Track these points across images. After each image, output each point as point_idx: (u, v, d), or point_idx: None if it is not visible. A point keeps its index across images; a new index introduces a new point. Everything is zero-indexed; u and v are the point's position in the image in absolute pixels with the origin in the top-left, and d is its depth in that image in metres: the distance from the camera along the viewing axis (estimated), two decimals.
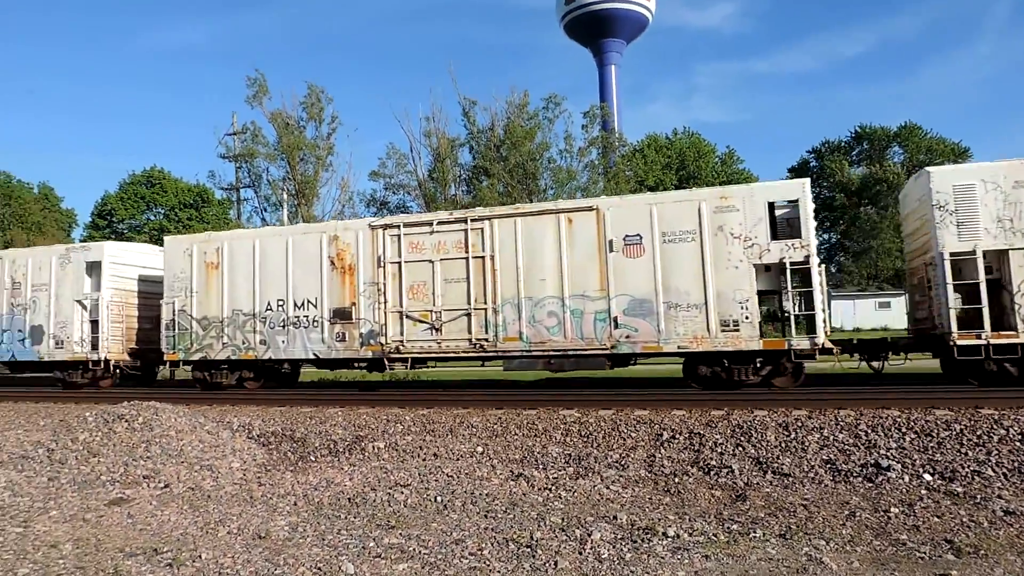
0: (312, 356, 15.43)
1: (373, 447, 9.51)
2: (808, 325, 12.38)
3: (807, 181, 13.03)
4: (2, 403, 15.51)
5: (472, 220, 14.31)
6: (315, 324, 15.32)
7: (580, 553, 5.41)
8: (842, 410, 9.68)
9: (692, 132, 59.35)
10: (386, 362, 14.77)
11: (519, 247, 13.91)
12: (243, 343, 15.96)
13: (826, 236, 57.85)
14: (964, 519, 5.97)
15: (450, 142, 36.58)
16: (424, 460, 8.95)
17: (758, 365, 12.80)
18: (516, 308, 13.80)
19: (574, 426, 10.07)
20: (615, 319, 13.14)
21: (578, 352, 13.41)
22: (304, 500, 7.26)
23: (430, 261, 14.52)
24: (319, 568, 5.20)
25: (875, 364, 13.26)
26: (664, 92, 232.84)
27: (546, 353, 13.64)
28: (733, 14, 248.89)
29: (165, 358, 16.81)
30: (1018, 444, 7.84)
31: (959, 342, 11.52)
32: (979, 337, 11.41)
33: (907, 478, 7.22)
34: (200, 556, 5.47)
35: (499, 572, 5.08)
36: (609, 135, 39.90)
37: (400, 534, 6.00)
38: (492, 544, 5.65)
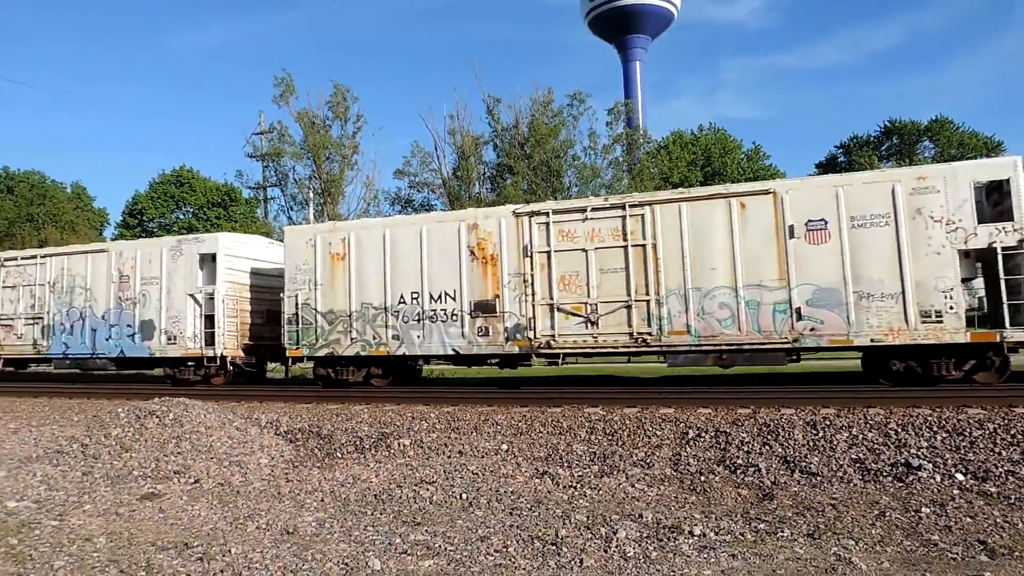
0: (451, 352, 14.57)
1: (399, 444, 9.57)
2: (1011, 315, 11.32)
3: (1019, 158, 11.71)
4: (37, 399, 15.85)
5: (631, 206, 13.42)
6: (454, 318, 14.47)
7: (605, 551, 5.40)
8: (871, 408, 9.55)
9: (718, 128, 58.75)
10: (533, 358, 13.99)
11: (684, 234, 13.02)
12: (374, 338, 15.11)
13: None
14: (998, 520, 5.86)
15: (474, 140, 36.62)
16: (449, 457, 8.99)
17: (959, 359, 11.77)
18: (682, 299, 12.94)
19: (599, 424, 10.05)
20: (797, 310, 12.24)
21: (754, 346, 12.55)
22: (331, 496, 7.33)
23: (583, 250, 13.66)
24: (346, 564, 5.25)
25: None
26: (689, 88, 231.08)
27: (718, 347, 12.75)
28: (759, 8, 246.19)
29: (287, 354, 16.05)
30: None
31: None
32: None
33: (939, 478, 7.11)
34: (230, 551, 5.55)
35: (524, 569, 5.09)
36: (634, 132, 39.65)
37: (426, 531, 6.03)
38: (517, 541, 5.66)
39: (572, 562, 5.19)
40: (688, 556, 5.25)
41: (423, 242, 14.87)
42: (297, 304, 15.76)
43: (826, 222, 12.25)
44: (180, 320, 17.37)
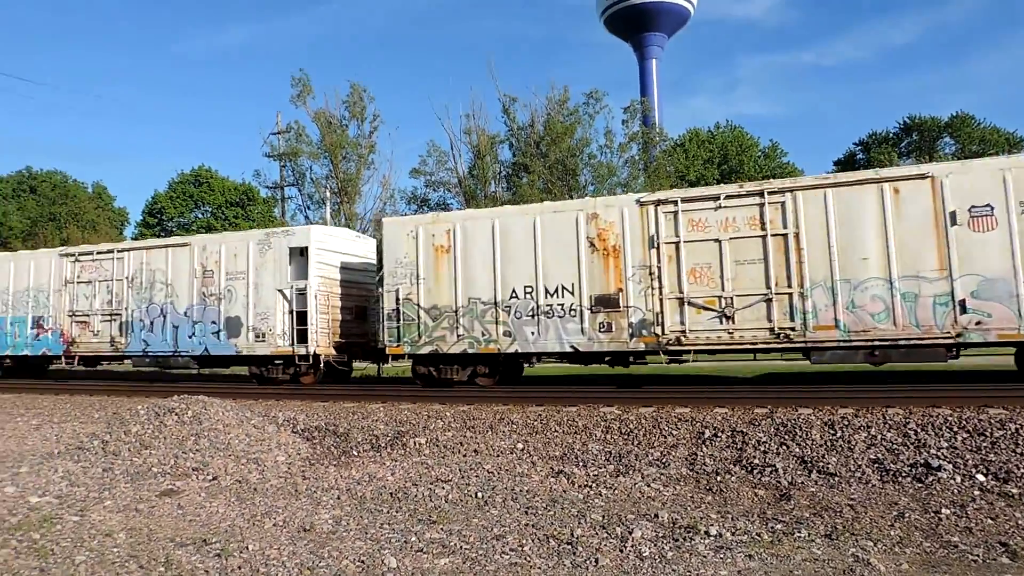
0: (569, 349, 13.84)
1: (414, 443, 9.60)
2: None
3: None
4: (59, 396, 16.07)
5: (770, 193, 12.72)
6: (572, 313, 13.75)
7: (621, 551, 5.39)
8: (890, 408, 9.46)
9: (734, 126, 58.44)
10: (662, 355, 13.32)
11: (830, 222, 12.31)
12: (483, 335, 14.38)
13: None
14: (1020, 521, 5.78)
15: (490, 139, 36.63)
16: (465, 456, 9.00)
17: None
18: (829, 292, 12.22)
19: (614, 423, 10.03)
20: (962, 303, 11.51)
21: (911, 342, 11.81)
22: (347, 494, 7.37)
23: (716, 240, 12.95)
24: (362, 561, 5.28)
25: None
26: (706, 85, 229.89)
27: (870, 343, 11.99)
28: (776, 5, 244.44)
29: (387, 352, 15.46)
30: None
31: None
32: None
33: (959, 479, 7.02)
34: (247, 547, 5.59)
35: (540, 568, 5.10)
36: (650, 130, 39.51)
37: (441, 529, 6.05)
38: (533, 540, 5.66)
39: (588, 561, 5.18)
40: (704, 556, 5.23)
41: (537, 233, 14.16)
42: (398, 299, 15.09)
43: (992, 208, 11.52)
44: (269, 317, 16.71)
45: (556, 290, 13.92)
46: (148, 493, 7.46)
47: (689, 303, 13.04)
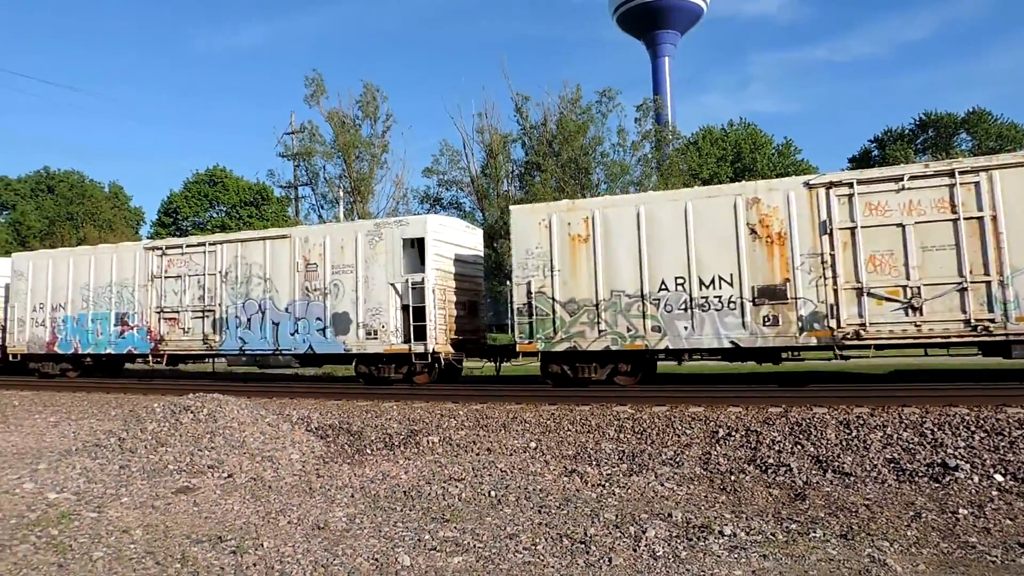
0: (728, 344, 12.89)
1: (427, 441, 9.62)
2: None
3: None
4: (76, 393, 16.23)
5: (961, 173, 11.74)
6: (731, 306, 12.81)
7: (635, 550, 5.38)
8: (906, 408, 9.38)
9: (748, 123, 58.17)
10: (836, 350, 12.43)
11: None
12: (628, 330, 13.43)
13: None
14: None
15: (503, 138, 36.66)
16: (478, 455, 9.01)
17: None
18: None
19: (627, 422, 10.01)
20: None
21: None
22: (361, 492, 7.40)
23: (899, 225, 11.97)
24: (376, 559, 5.30)
25: None
26: (718, 83, 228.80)
27: None
28: (789, 1, 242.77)
29: (518, 349, 14.54)
30: None
31: None
32: None
33: (976, 478, 6.95)
34: (262, 544, 5.63)
35: (553, 567, 5.09)
36: (663, 128, 39.39)
37: (455, 527, 6.06)
38: (546, 539, 5.66)
39: (601, 560, 5.18)
40: (718, 556, 5.21)
41: (688, 220, 13.18)
42: (529, 292, 14.16)
43: None
44: (381, 313, 15.69)
45: (712, 281, 12.99)
46: (164, 490, 7.52)
47: (869, 294, 12.10)
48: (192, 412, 9.70)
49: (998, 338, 11.53)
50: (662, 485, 7.40)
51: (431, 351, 15.09)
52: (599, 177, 35.29)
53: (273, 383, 17.75)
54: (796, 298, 12.43)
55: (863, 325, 12.07)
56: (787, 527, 5.85)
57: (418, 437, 9.82)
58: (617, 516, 6.27)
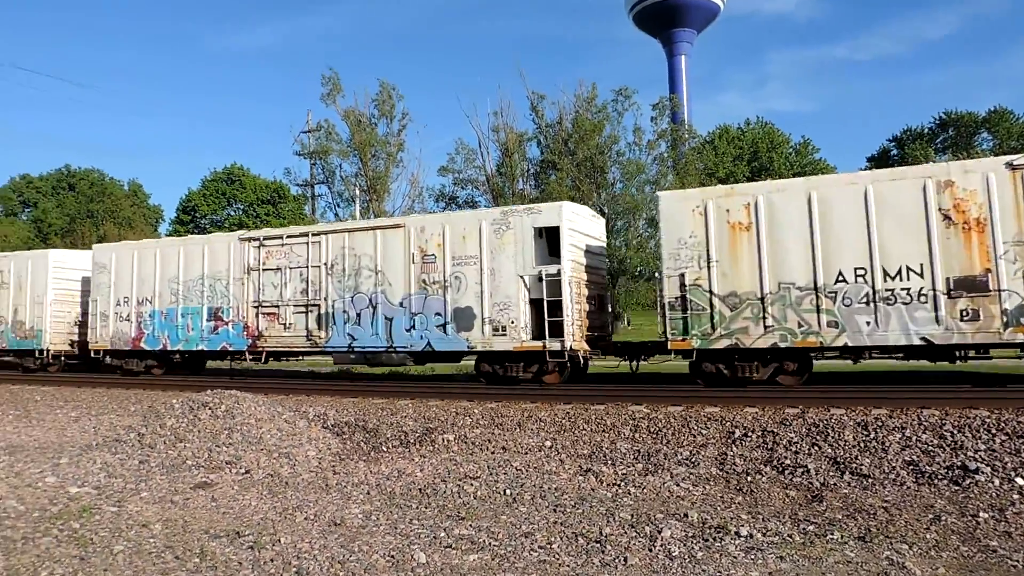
0: (919, 341, 11.72)
1: (443, 439, 9.65)
2: None
3: None
4: (95, 388, 16.43)
5: None
6: (921, 299, 11.69)
7: (650, 550, 5.37)
8: (925, 409, 9.29)
9: (765, 122, 57.84)
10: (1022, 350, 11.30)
11: None
12: (799, 326, 12.34)
13: None
14: None
15: (518, 137, 36.71)
16: (493, 453, 9.03)
17: None
18: None
19: (643, 422, 9.98)
20: None
21: None
22: (377, 489, 7.44)
23: None
24: (392, 556, 5.33)
25: None
26: (735, 81, 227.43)
27: None
28: None
29: (669, 346, 13.44)
30: None
31: None
32: None
33: (997, 482, 6.88)
34: (279, 540, 5.68)
35: (568, 566, 5.10)
36: (679, 127, 39.25)
37: (470, 525, 6.08)
38: (561, 538, 5.67)
39: (616, 560, 5.18)
40: (735, 557, 5.19)
41: (868, 205, 12.08)
42: (683, 285, 13.16)
43: None
44: (510, 307, 14.55)
45: (898, 272, 11.87)
46: (183, 485, 7.60)
47: None
48: (210, 408, 9.79)
49: None
50: (678, 485, 7.38)
51: (568, 348, 14.02)
52: (615, 176, 35.24)
53: (288, 380, 17.86)
54: (999, 290, 11.28)
55: None
56: (804, 528, 5.82)
57: (433, 435, 9.86)
58: (632, 516, 6.26)
